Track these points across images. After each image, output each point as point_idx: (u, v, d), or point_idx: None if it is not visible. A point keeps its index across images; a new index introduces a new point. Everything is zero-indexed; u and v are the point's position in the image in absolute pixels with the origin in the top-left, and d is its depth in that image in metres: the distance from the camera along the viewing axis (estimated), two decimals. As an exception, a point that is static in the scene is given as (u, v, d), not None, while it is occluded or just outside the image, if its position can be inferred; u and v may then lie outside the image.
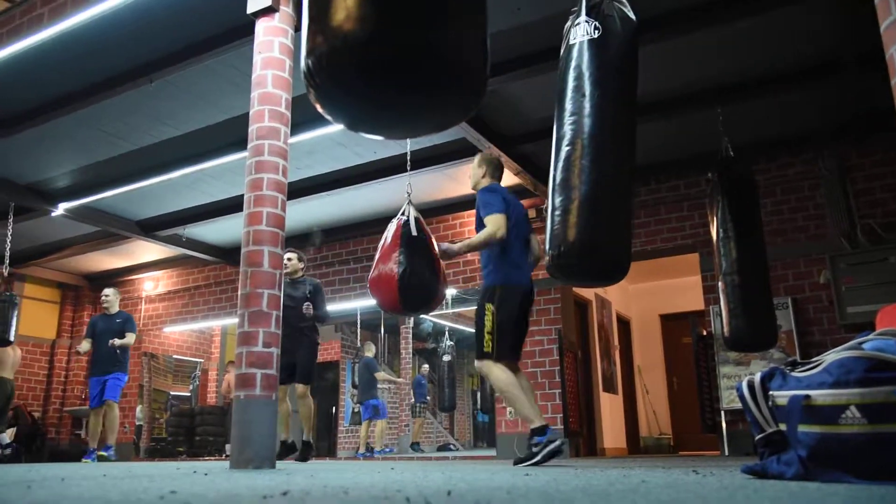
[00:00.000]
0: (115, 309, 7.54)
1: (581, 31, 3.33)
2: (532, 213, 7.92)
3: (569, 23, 3.49)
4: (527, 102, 6.11)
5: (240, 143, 6.05)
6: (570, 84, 3.32)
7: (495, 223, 3.99)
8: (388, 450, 9.97)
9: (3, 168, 7.38)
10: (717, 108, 5.81)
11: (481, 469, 3.40)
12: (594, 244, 3.17)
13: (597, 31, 3.28)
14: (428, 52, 1.69)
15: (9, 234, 8.27)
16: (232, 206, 8.11)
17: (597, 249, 3.19)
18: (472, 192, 4.48)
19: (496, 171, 4.42)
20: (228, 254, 10.03)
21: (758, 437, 2.00)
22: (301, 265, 6.29)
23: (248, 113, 4.25)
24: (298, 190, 7.43)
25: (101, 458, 7.12)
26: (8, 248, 8.37)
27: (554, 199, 3.26)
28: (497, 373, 3.98)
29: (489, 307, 4.02)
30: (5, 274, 8.49)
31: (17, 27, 5.25)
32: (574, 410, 7.64)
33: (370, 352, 10.47)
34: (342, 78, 1.73)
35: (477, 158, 4.49)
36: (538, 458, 3.77)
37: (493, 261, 4.11)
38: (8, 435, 9.94)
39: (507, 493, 1.57)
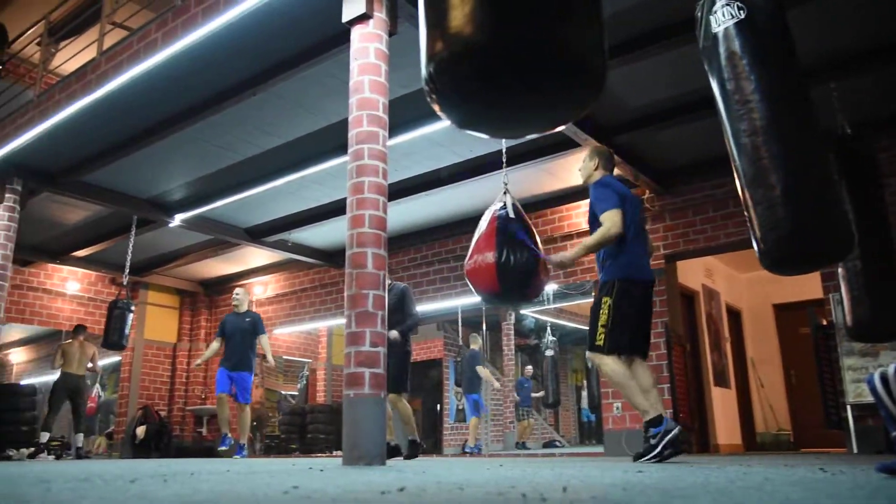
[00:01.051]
0: (244, 308, 7.80)
1: (723, 16, 3.18)
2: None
3: (701, 10, 3.34)
4: (622, 91, 5.96)
5: (340, 148, 6.24)
6: (728, 72, 3.17)
7: (610, 220, 3.90)
8: (475, 448, 9.94)
9: (126, 184, 7.90)
10: (830, 84, 5.47)
11: (591, 466, 3.36)
12: (813, 229, 3.04)
13: (742, 12, 3.13)
14: (547, 52, 1.70)
15: (130, 245, 8.85)
16: (334, 210, 8.35)
17: (818, 233, 3.06)
18: (570, 185, 4.40)
19: (608, 162, 4.31)
20: (332, 256, 10.34)
21: (894, 434, 1.87)
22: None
23: (347, 118, 4.37)
24: (398, 191, 7.56)
25: (224, 454, 7.49)
26: (129, 259, 8.94)
27: (752, 193, 3.11)
28: (609, 364, 3.92)
29: (606, 300, 3.96)
30: (125, 282, 9.08)
31: (135, 53, 5.61)
32: (684, 405, 7.40)
33: (476, 344, 10.46)
34: (463, 82, 1.78)
35: (587, 151, 4.39)
36: (657, 449, 3.67)
37: (610, 255, 4.03)
38: (139, 432, 10.66)
39: (624, 490, 1.55)
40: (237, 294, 7.83)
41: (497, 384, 11.52)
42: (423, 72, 1.83)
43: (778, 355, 10.24)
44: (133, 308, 8.63)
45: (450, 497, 1.39)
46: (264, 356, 7.78)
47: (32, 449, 8.76)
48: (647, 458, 3.69)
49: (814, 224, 3.03)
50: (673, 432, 3.70)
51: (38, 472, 3.21)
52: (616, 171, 6.99)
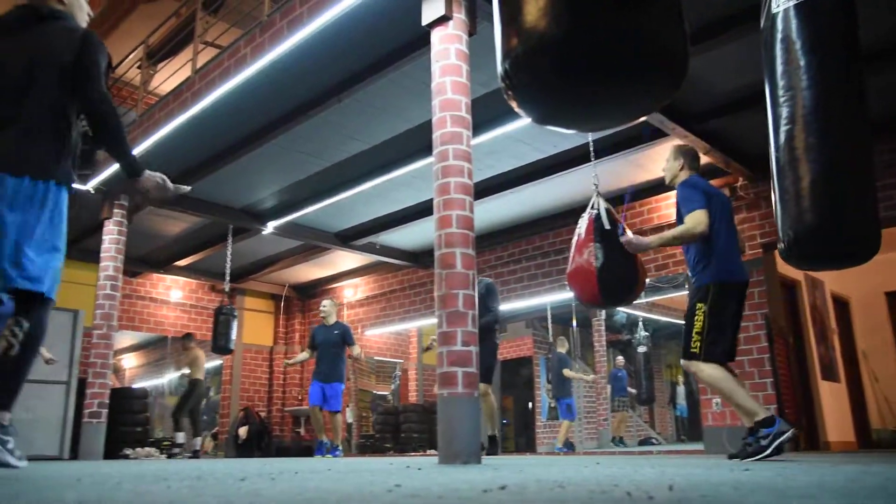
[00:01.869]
0: (333, 319, 8.02)
1: None
2: (726, 192, 7.47)
3: None
4: (709, 76, 5.77)
5: (424, 150, 6.32)
6: (780, 57, 3.04)
7: (695, 220, 3.81)
8: (562, 448, 9.82)
9: (221, 195, 8.26)
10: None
11: (693, 464, 3.27)
12: (833, 226, 2.91)
13: None
14: (625, 44, 1.68)
15: (228, 253, 9.24)
16: (420, 211, 8.46)
17: (837, 231, 2.92)
18: (659, 176, 4.30)
19: (693, 161, 4.19)
20: (419, 257, 10.48)
21: None
22: None
23: (430, 120, 4.42)
24: (483, 190, 7.57)
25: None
26: (228, 266, 9.34)
27: (781, 182, 3.01)
28: (708, 371, 3.81)
29: (700, 307, 3.85)
30: (226, 289, 9.50)
31: (226, 69, 5.86)
32: (790, 400, 7.08)
33: (562, 347, 10.37)
34: (540, 77, 1.77)
35: (671, 151, 4.27)
36: (768, 451, 3.55)
37: (703, 258, 3.91)
38: (242, 433, 11.11)
39: (734, 489, 1.51)
40: (324, 306, 8.04)
41: (589, 377, 11.33)
42: (499, 69, 1.83)
43: (893, 347, 9.64)
44: (236, 313, 9.03)
45: (552, 495, 1.39)
46: (356, 358, 8.02)
47: (172, 449, 9.42)
48: (755, 458, 3.56)
49: (838, 221, 2.86)
50: (786, 434, 3.56)
51: (154, 470, 3.40)
52: (706, 160, 6.84)
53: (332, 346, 7.79)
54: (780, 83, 3.00)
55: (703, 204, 3.85)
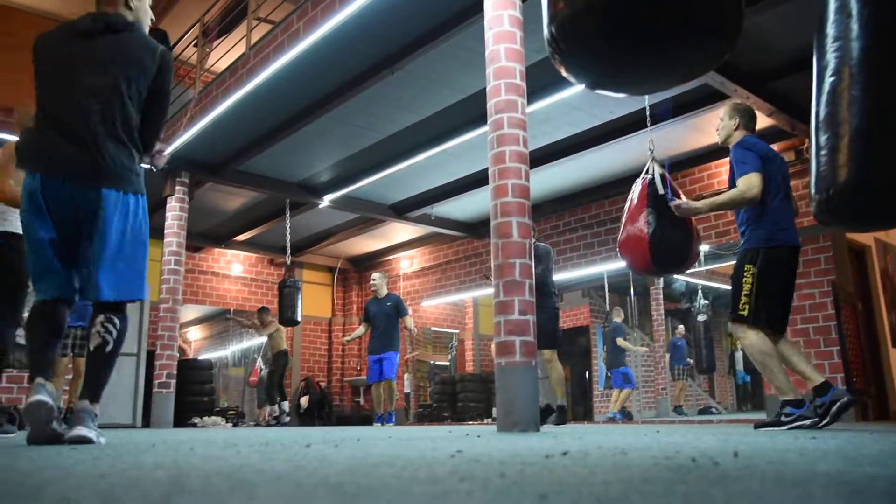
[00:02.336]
0: (384, 292, 8.16)
1: None
2: (791, 156, 7.24)
3: None
4: (774, 34, 5.54)
5: (478, 119, 6.29)
6: (832, 5, 2.93)
7: (747, 183, 3.69)
8: (616, 415, 9.72)
9: (278, 170, 8.40)
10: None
11: (757, 432, 3.22)
12: (870, 183, 2.80)
13: None
14: (674, 3, 1.63)
15: (287, 226, 9.42)
16: (474, 181, 8.44)
17: (873, 189, 2.81)
18: (719, 141, 4.17)
19: (750, 121, 4.03)
20: (474, 228, 10.48)
21: None
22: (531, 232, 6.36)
23: (484, 89, 4.39)
24: (538, 158, 7.49)
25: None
26: (288, 240, 9.53)
27: (818, 137, 2.92)
28: (752, 339, 3.72)
29: (749, 268, 3.74)
30: (287, 263, 9.70)
31: (280, 44, 5.92)
32: (858, 368, 6.89)
33: (618, 317, 10.28)
34: (587, 40, 1.73)
35: (726, 109, 4.11)
36: (784, 427, 3.55)
37: (752, 221, 3.81)
38: (303, 402, 11.42)
39: (801, 456, 1.49)
40: (374, 279, 8.17)
41: (642, 349, 11.19)
42: (546, 33, 1.79)
43: (968, 312, 9.24)
44: (300, 286, 9.25)
45: (615, 461, 1.40)
46: (409, 330, 8.19)
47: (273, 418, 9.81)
48: (769, 429, 3.55)
49: (876, 178, 2.70)
50: (843, 400, 3.48)
51: (224, 437, 3.53)
52: (770, 122, 6.61)
53: (386, 318, 7.94)
54: (830, 33, 2.85)
55: (757, 166, 3.73)
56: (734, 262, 3.95)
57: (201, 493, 0.92)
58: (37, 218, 2.55)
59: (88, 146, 2.55)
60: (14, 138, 4.13)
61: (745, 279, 3.75)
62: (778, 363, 3.71)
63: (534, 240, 6.31)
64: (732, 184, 3.85)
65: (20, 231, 3.54)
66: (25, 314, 3.14)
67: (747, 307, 3.72)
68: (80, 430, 2.45)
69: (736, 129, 4.00)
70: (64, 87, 2.62)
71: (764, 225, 3.76)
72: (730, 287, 3.94)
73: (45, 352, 2.65)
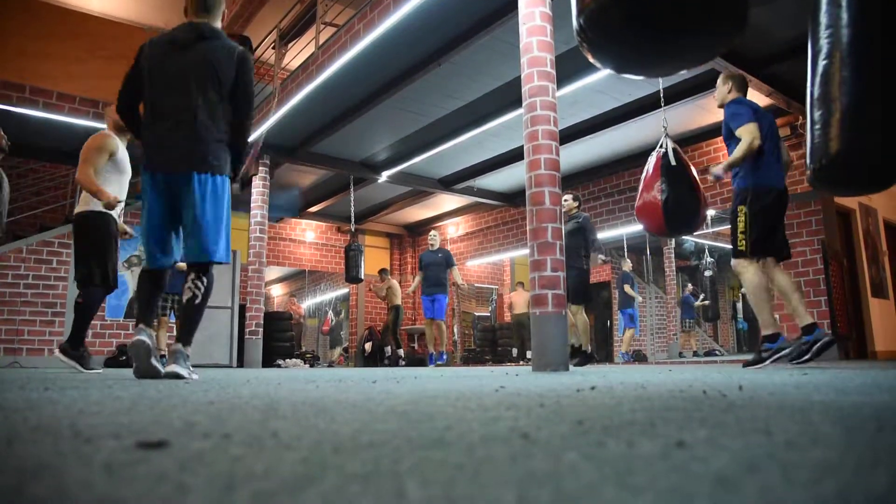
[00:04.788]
0: (438, 245, 8.29)
1: None
2: (786, 132, 7.01)
3: None
4: (772, 23, 5.30)
5: (514, 103, 6.20)
6: None
7: (749, 132, 3.58)
8: (626, 355, 9.67)
9: (343, 151, 8.45)
10: None
11: (755, 371, 3.17)
12: (857, 154, 2.69)
13: None
14: None
15: (352, 199, 9.50)
16: (512, 157, 8.37)
17: (860, 158, 2.70)
18: (716, 105, 4.02)
19: (741, 86, 3.92)
20: (511, 198, 10.41)
21: None
22: (576, 203, 6.26)
23: (519, 77, 4.31)
24: (567, 136, 7.36)
25: (437, 366, 8.01)
26: (352, 210, 9.62)
27: (812, 114, 2.79)
28: (749, 274, 3.64)
29: (742, 209, 3.65)
30: (352, 230, 9.81)
31: (343, 44, 5.90)
32: (842, 315, 6.72)
33: (626, 266, 10.25)
34: (612, 30, 1.70)
35: (721, 77, 3.98)
36: (766, 363, 3.46)
37: (743, 166, 3.69)
38: (367, 347, 11.62)
39: (797, 389, 1.46)
40: (433, 235, 8.30)
41: (639, 298, 11.02)
42: (574, 24, 1.76)
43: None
44: (362, 249, 9.35)
45: (637, 394, 1.40)
46: (457, 285, 8.18)
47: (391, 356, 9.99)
48: (755, 367, 3.47)
49: (862, 149, 2.57)
50: (824, 340, 3.40)
51: (305, 374, 3.64)
52: (768, 101, 6.36)
53: (437, 266, 8.08)
54: (822, 21, 2.72)
55: (750, 117, 3.62)
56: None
57: (292, 417, 0.96)
58: (152, 200, 2.67)
59: (188, 139, 2.62)
60: (102, 126, 4.25)
61: (739, 219, 3.66)
62: (768, 300, 3.64)
63: (577, 210, 6.27)
64: (728, 137, 3.74)
65: (101, 209, 3.70)
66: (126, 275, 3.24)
67: (744, 242, 3.64)
68: (175, 367, 2.53)
69: (729, 93, 3.89)
70: (170, 88, 2.68)
71: (752, 170, 3.65)
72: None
73: (149, 305, 2.79)
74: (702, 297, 11.68)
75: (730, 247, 3.90)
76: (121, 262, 7.20)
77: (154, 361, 2.66)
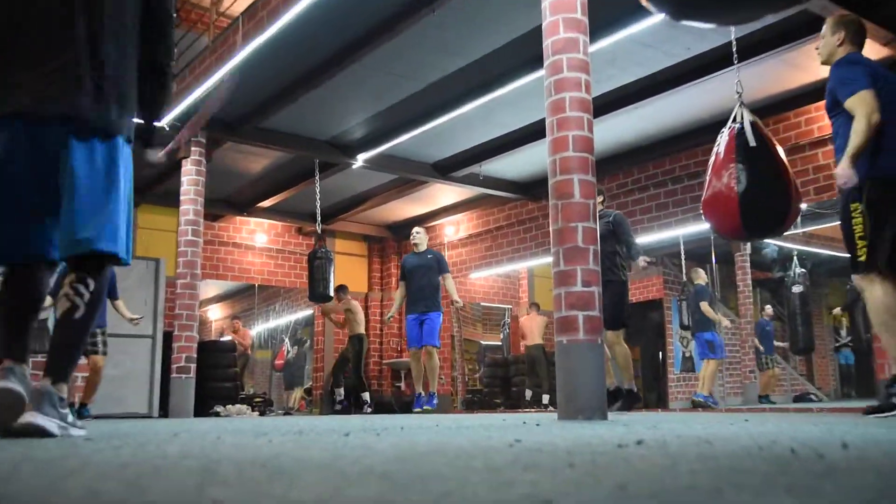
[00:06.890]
0: (425, 247, 8.19)
1: None
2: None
3: None
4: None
5: (533, 62, 6.21)
6: None
7: (865, 104, 3.46)
8: (709, 399, 9.29)
9: (305, 126, 8.48)
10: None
11: (866, 422, 3.16)
12: None
13: None
14: None
15: (317, 189, 9.50)
16: (529, 134, 8.38)
17: None
18: (820, 78, 4.02)
19: (857, 35, 3.79)
20: (529, 188, 10.44)
21: None
22: (600, 198, 6.23)
23: (539, 26, 4.34)
24: (603, 105, 7.33)
25: (426, 412, 7.96)
26: (318, 204, 9.61)
27: None
28: (878, 293, 3.56)
29: (856, 206, 3.58)
30: (318, 231, 9.81)
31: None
32: None
33: (700, 279, 9.90)
34: None
35: (828, 23, 3.87)
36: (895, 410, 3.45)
37: None
38: (338, 392, 11.60)
39: (919, 445, 1.46)
40: (417, 232, 8.19)
41: (727, 322, 10.90)
42: None
43: None
44: (332, 256, 9.32)
45: (700, 451, 1.39)
46: (452, 301, 8.06)
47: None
48: (880, 414, 3.47)
49: None
50: None
51: (254, 425, 3.63)
52: (886, 52, 6.36)
53: (426, 273, 7.86)
54: None
55: (866, 84, 3.51)
56: (837, 223, 3.81)
57: (237, 482, 0.95)
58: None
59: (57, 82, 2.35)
60: None
61: (854, 220, 3.59)
62: None
63: (603, 207, 6.24)
64: (831, 108, 3.68)
65: None
66: None
67: (865, 251, 3.55)
68: (36, 417, 2.14)
69: (840, 45, 3.77)
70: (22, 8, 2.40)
71: (868, 155, 3.53)
72: (832, 252, 3.84)
73: (13, 329, 2.45)
74: (785, 343, 11.57)
75: (826, 252, 3.89)
76: None
77: (35, 414, 2.17)
